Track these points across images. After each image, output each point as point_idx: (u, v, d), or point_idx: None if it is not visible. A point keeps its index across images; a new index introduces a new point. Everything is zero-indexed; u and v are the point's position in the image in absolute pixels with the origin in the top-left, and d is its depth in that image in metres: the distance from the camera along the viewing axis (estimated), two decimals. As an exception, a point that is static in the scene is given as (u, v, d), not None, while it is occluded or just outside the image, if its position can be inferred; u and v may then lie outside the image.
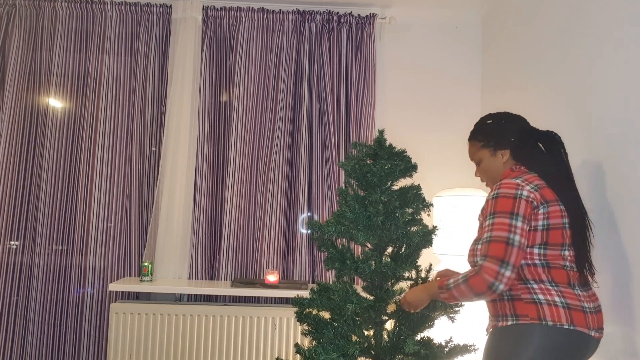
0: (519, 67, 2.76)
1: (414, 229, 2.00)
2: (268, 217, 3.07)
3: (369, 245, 2.04)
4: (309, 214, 3.16)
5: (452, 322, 2.03)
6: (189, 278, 3.04)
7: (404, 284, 2.17)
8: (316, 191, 3.14)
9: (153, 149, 3.16)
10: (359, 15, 3.22)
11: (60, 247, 3.07)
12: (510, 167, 1.74)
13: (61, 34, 3.16)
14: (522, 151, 1.72)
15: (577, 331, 1.48)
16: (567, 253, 1.57)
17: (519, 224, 1.53)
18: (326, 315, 2.10)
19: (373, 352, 1.97)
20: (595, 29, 2.06)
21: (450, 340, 2.04)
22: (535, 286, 1.54)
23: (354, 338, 1.96)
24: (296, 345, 2.05)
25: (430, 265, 2.20)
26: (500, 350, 1.53)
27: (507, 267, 1.48)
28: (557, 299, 1.51)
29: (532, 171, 1.67)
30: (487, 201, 1.62)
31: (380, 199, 1.99)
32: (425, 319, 2.00)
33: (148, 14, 3.19)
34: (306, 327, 2.04)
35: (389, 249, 2.05)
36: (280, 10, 3.20)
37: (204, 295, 3.05)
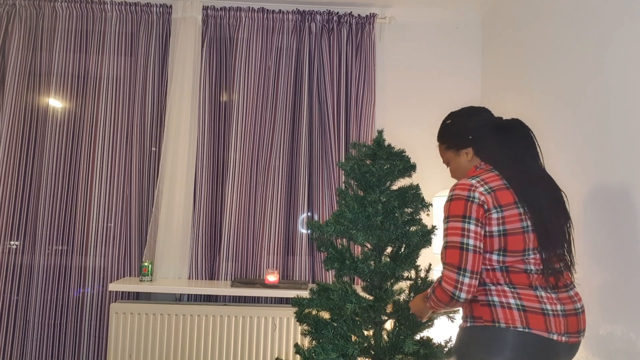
0: (519, 67, 2.76)
1: (413, 228, 2.00)
2: (268, 217, 3.07)
3: (368, 245, 2.04)
4: (309, 214, 3.15)
5: (452, 322, 2.03)
6: (189, 278, 3.05)
7: (403, 284, 2.17)
8: (316, 191, 3.14)
9: (153, 149, 3.16)
10: (359, 15, 3.22)
11: (60, 247, 3.07)
12: (475, 165, 1.67)
13: (61, 34, 3.16)
14: (482, 147, 1.65)
15: (533, 334, 1.42)
16: (530, 257, 1.49)
17: (472, 227, 1.47)
18: (326, 315, 2.10)
19: (372, 352, 1.97)
20: (595, 28, 2.06)
21: (450, 340, 2.04)
22: (492, 288, 1.49)
23: (353, 338, 1.96)
24: (296, 345, 2.05)
25: (430, 265, 2.19)
26: (460, 353, 1.52)
27: (464, 274, 1.45)
28: (512, 300, 1.45)
29: (496, 168, 1.58)
30: (444, 203, 1.58)
31: (380, 199, 1.99)
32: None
33: (148, 14, 3.19)
34: (306, 327, 2.04)
35: (388, 249, 2.05)
36: (280, 10, 3.20)
37: (204, 295, 3.05)
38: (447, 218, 1.51)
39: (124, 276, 3.07)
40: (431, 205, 2.08)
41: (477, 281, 1.46)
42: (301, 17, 3.20)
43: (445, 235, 1.51)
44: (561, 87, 2.30)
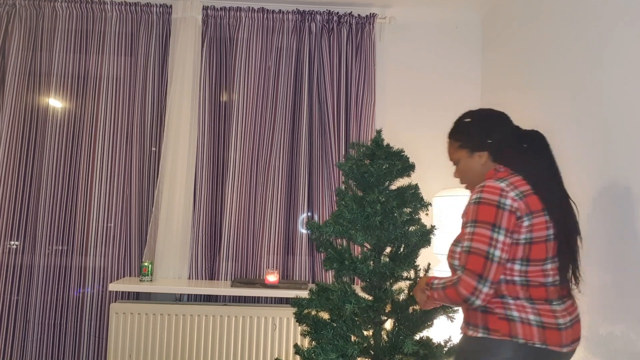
0: (519, 67, 2.75)
1: (412, 228, 2.00)
2: (268, 217, 3.07)
3: (367, 245, 2.04)
4: (309, 214, 3.15)
5: (452, 321, 2.03)
6: (189, 278, 3.05)
7: (402, 284, 2.16)
8: (316, 191, 3.14)
9: (153, 149, 3.16)
10: (359, 15, 3.22)
11: (60, 247, 3.07)
12: (494, 168, 1.61)
13: (61, 34, 3.16)
14: (504, 153, 1.60)
15: (549, 350, 1.43)
16: (549, 267, 1.48)
17: (501, 237, 1.42)
18: (325, 315, 2.10)
19: (372, 352, 1.97)
20: (595, 28, 2.06)
21: (450, 340, 2.03)
22: (511, 302, 1.46)
23: (353, 338, 1.96)
24: (295, 345, 2.05)
25: (429, 265, 2.19)
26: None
27: (485, 284, 1.41)
28: (531, 317, 1.44)
29: (517, 173, 1.54)
30: (468, 204, 1.51)
31: (378, 199, 1.99)
32: (424, 319, 2.00)
33: (148, 14, 3.19)
34: (305, 328, 2.04)
35: (388, 249, 2.05)
36: (280, 10, 3.20)
37: (204, 295, 3.05)
38: (475, 222, 1.45)
39: (124, 276, 3.07)
40: (430, 204, 2.08)
41: (494, 290, 1.45)
42: (301, 17, 3.20)
43: (470, 240, 1.45)
44: (561, 87, 2.30)
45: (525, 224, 1.44)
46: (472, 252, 1.44)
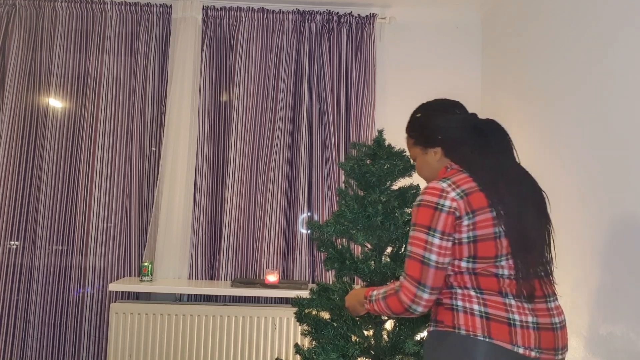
0: (519, 67, 2.76)
1: (413, 228, 1.99)
2: (268, 217, 3.07)
3: (368, 245, 2.04)
4: (309, 214, 3.15)
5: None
6: (189, 278, 3.04)
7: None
8: (316, 191, 3.14)
9: (153, 149, 3.16)
10: (359, 15, 3.22)
11: (60, 247, 3.07)
12: (445, 166, 1.54)
13: (61, 34, 3.16)
14: (453, 148, 1.52)
15: (495, 345, 1.30)
16: (504, 263, 1.37)
17: (436, 241, 1.36)
18: (326, 315, 2.10)
19: (373, 353, 1.97)
20: (595, 28, 2.06)
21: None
22: (458, 291, 1.39)
23: (353, 338, 1.96)
24: (296, 345, 2.05)
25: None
26: (425, 356, 1.44)
27: (424, 290, 1.36)
28: (475, 306, 1.35)
29: (465, 169, 1.46)
30: (413, 207, 1.46)
31: (380, 199, 1.99)
32: (424, 319, 2.00)
33: (148, 14, 3.19)
34: (306, 328, 2.04)
35: (389, 249, 2.05)
36: (280, 10, 3.20)
37: (204, 295, 3.05)
38: (414, 225, 1.41)
39: (124, 276, 3.07)
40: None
41: (435, 296, 1.38)
42: (301, 17, 3.20)
43: (410, 244, 1.41)
44: (561, 87, 2.30)
45: (465, 223, 1.37)
46: (411, 257, 1.40)
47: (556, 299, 1.43)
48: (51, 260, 3.05)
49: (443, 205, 1.37)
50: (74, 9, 3.17)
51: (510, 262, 1.37)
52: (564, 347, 1.39)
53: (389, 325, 2.07)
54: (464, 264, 1.38)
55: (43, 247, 3.04)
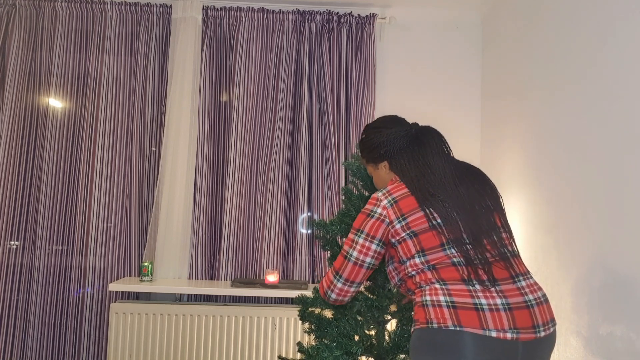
0: (519, 67, 2.76)
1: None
2: (268, 217, 3.07)
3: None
4: (309, 214, 3.16)
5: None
6: (189, 278, 3.05)
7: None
8: (316, 191, 3.14)
9: (153, 149, 3.16)
10: (359, 15, 3.23)
11: (60, 247, 3.07)
12: (392, 178, 1.69)
13: (61, 34, 3.16)
14: (393, 159, 1.66)
15: (465, 332, 1.31)
16: (453, 251, 1.43)
17: (361, 240, 1.55)
18: (329, 314, 2.10)
19: (375, 352, 1.97)
20: (596, 28, 2.06)
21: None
22: (426, 288, 1.43)
23: (356, 337, 1.96)
24: (298, 343, 2.05)
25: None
26: (411, 358, 1.47)
27: (339, 279, 1.58)
28: (441, 298, 1.38)
29: (401, 179, 1.59)
30: None
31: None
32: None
33: (148, 14, 3.19)
34: (309, 326, 2.05)
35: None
36: (280, 10, 3.20)
37: (204, 295, 3.05)
38: (352, 228, 1.61)
39: (124, 276, 3.07)
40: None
41: (351, 289, 1.59)
42: (301, 17, 3.20)
43: (344, 243, 1.62)
44: (561, 87, 2.31)
45: (398, 226, 1.50)
46: (340, 253, 1.61)
47: (528, 277, 1.47)
48: (51, 260, 3.05)
49: (375, 213, 1.54)
50: (74, 9, 3.17)
51: (458, 249, 1.43)
52: (547, 323, 1.40)
53: (389, 325, 2.07)
54: (418, 260, 1.47)
55: (43, 247, 3.04)
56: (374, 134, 1.72)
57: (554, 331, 1.43)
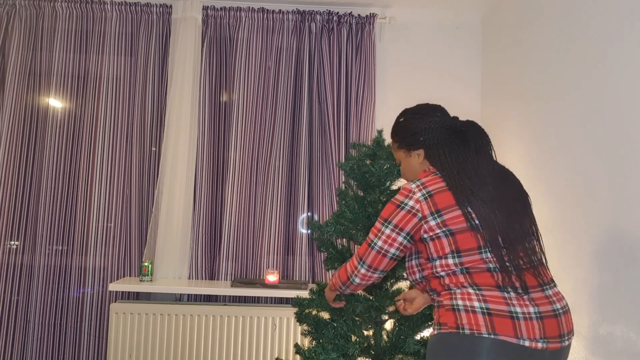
0: (519, 67, 2.76)
1: (413, 229, 1.99)
2: (268, 217, 3.07)
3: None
4: (309, 214, 3.15)
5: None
6: (189, 278, 3.05)
7: (402, 284, 2.16)
8: (316, 191, 3.14)
9: (153, 149, 3.16)
10: (359, 15, 3.22)
11: (60, 247, 3.07)
12: (425, 169, 1.61)
13: (61, 34, 3.16)
14: (432, 150, 1.58)
15: (500, 340, 1.29)
16: (489, 255, 1.39)
17: (387, 231, 1.50)
18: (326, 315, 2.10)
19: (373, 352, 1.97)
20: (596, 28, 2.06)
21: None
22: (457, 291, 1.38)
23: (353, 338, 1.96)
24: (296, 345, 2.05)
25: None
26: None
27: (362, 265, 1.57)
28: (476, 303, 1.34)
29: (438, 172, 1.52)
30: None
31: (380, 199, 1.99)
32: (425, 319, 2.00)
33: (148, 14, 3.19)
34: (306, 328, 2.04)
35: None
36: (280, 10, 3.20)
37: (204, 295, 3.05)
38: (379, 217, 1.57)
39: (124, 276, 3.07)
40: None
41: (375, 275, 1.58)
42: (301, 17, 3.20)
43: (370, 231, 1.61)
44: (561, 87, 2.30)
45: (432, 222, 1.43)
46: (365, 241, 1.59)
47: (554, 285, 1.44)
48: (51, 261, 3.05)
49: (406, 204, 1.48)
50: (74, 9, 3.17)
51: (494, 254, 1.38)
52: (570, 332, 1.39)
53: (389, 325, 2.07)
54: (451, 261, 1.41)
55: (43, 247, 3.05)
56: (414, 119, 1.62)
57: (571, 341, 1.43)
